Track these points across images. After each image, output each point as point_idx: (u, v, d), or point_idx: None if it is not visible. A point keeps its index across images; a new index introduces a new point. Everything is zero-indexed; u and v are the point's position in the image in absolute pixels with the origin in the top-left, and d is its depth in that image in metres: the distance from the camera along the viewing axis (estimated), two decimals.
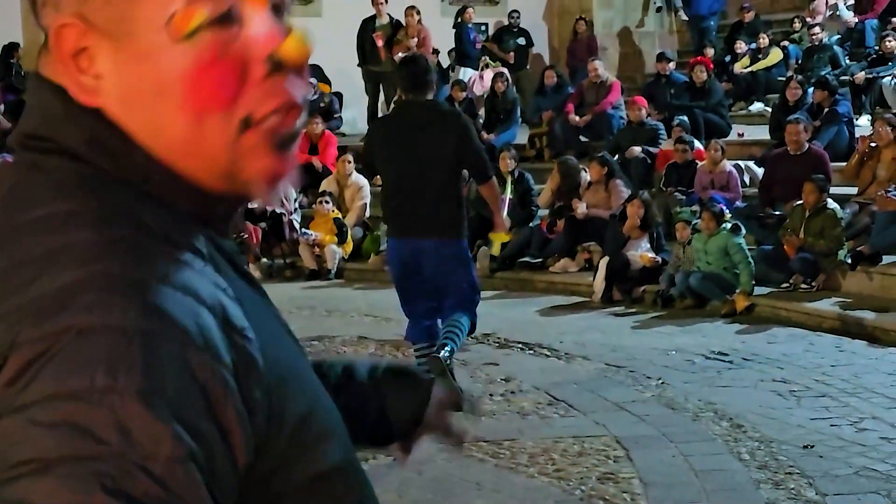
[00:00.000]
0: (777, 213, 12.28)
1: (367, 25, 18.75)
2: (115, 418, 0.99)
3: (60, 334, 1.02)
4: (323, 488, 1.23)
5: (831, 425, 7.35)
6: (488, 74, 18.98)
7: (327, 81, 19.37)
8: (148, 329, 1.04)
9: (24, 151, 1.20)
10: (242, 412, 1.10)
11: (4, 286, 1.07)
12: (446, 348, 7.46)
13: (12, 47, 18.50)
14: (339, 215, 14.87)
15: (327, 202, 14.74)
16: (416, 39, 18.34)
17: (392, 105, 18.02)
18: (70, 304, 1.03)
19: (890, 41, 16.57)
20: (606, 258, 12.42)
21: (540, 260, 13.69)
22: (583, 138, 16.44)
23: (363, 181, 15.34)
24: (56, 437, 0.98)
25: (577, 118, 16.61)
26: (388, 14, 18.76)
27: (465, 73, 19.71)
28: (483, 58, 20.14)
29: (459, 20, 20.21)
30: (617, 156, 14.56)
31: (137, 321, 1.03)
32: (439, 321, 7.82)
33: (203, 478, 1.03)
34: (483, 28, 22.28)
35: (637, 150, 14.47)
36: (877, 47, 17.13)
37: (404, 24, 18.64)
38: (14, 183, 1.17)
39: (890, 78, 15.92)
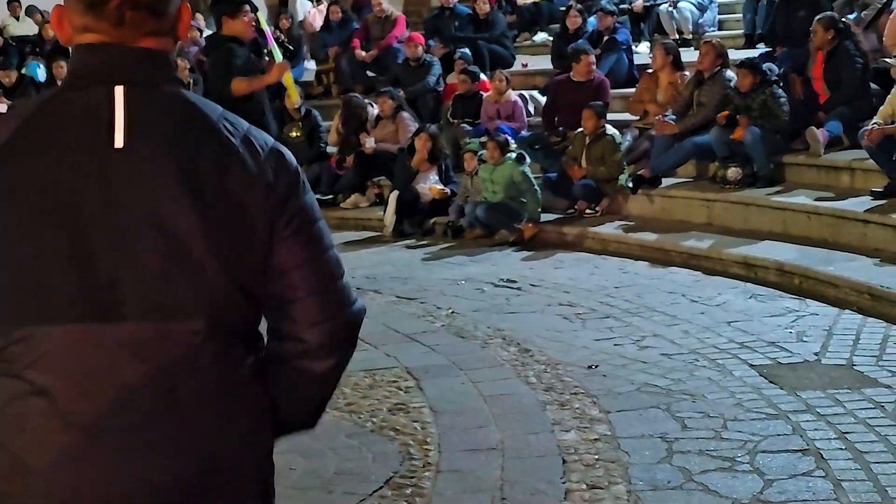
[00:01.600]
0: (561, 132, 12.47)
1: None
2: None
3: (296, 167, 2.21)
4: None
5: (615, 345, 7.55)
6: (324, 7, 18.69)
7: None
8: None
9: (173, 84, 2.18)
10: None
11: (246, 149, 2.13)
12: None
13: None
14: None
15: None
16: None
17: None
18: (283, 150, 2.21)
19: None
20: (396, 192, 12.45)
21: (330, 196, 13.66)
22: (370, 73, 16.38)
23: None
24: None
25: (364, 53, 16.53)
26: None
27: (303, 7, 19.39)
28: None
29: None
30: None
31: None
32: None
33: None
34: None
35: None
36: None
37: None
38: (188, 98, 2.17)
39: (666, 5, 16.29)
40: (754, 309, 8.33)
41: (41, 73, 17.17)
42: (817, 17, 11.41)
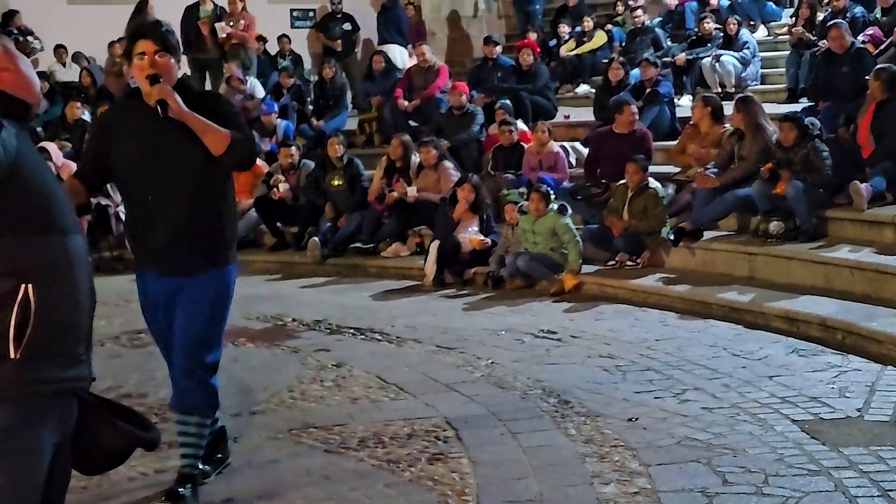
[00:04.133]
0: (603, 184, 12.47)
1: (192, 13, 18.52)
2: None
3: None
4: None
5: (655, 398, 7.50)
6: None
7: None
8: None
9: None
10: None
11: None
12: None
13: None
14: None
15: None
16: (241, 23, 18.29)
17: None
18: None
19: (708, 23, 17.02)
20: (437, 242, 12.48)
21: (371, 245, 13.69)
22: (412, 123, 16.45)
23: None
24: None
25: (406, 103, 16.62)
26: (213, 1, 18.55)
27: (394, 51, 19.53)
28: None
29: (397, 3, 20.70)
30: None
31: None
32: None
33: None
34: (311, 14, 22.17)
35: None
36: (696, 29, 17.56)
37: (228, 11, 18.47)
38: None
39: (709, 58, 16.33)
40: (796, 364, 8.26)
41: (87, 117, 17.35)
42: (877, 67, 11.42)
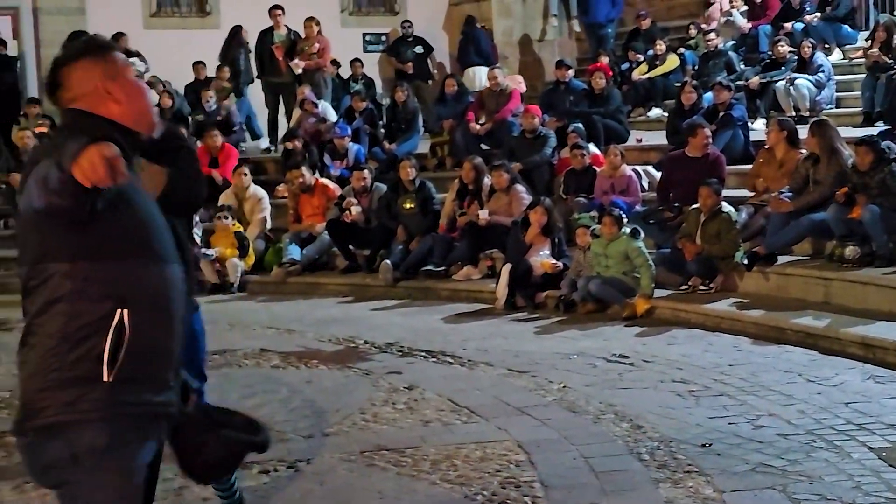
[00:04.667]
0: (676, 207, 12.39)
1: (266, 37, 18.73)
2: None
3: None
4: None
5: (729, 423, 7.44)
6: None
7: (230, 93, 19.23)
8: None
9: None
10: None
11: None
12: None
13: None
14: (240, 228, 14.79)
15: (226, 217, 14.68)
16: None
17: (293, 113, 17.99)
18: None
19: (782, 46, 16.89)
20: (509, 265, 12.47)
21: (443, 268, 13.72)
22: (484, 146, 16.45)
23: (262, 193, 15.39)
24: None
25: (478, 126, 16.64)
26: (286, 26, 18.72)
27: (481, 72, 19.60)
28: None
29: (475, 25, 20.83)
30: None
31: None
32: None
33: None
34: (383, 38, 22.30)
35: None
36: (770, 52, 17.43)
37: (303, 36, 18.62)
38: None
39: (783, 82, 16.21)
40: (873, 390, 8.15)
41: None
42: None
